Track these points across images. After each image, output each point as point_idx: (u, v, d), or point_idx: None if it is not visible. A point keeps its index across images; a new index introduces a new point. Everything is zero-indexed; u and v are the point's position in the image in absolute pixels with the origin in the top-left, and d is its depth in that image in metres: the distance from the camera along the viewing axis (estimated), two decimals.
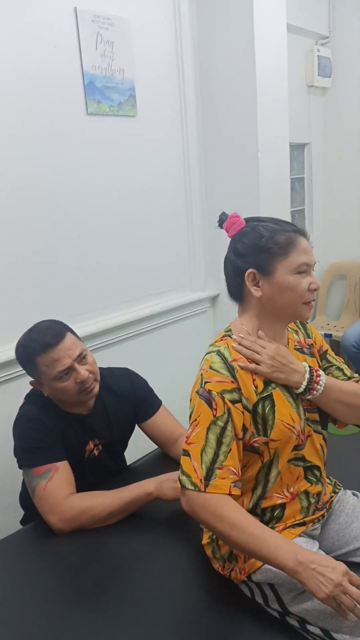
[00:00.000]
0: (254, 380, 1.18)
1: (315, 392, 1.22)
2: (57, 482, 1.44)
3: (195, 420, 1.14)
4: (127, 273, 2.36)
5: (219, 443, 1.11)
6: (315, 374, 1.23)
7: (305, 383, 1.21)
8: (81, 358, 1.49)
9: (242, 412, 1.15)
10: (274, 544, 1.04)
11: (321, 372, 1.24)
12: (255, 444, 1.17)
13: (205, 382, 1.15)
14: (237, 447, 1.13)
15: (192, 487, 1.10)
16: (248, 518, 1.08)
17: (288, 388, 1.22)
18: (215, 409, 1.12)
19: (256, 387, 1.18)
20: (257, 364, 1.18)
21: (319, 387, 1.22)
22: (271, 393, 1.19)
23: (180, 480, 1.13)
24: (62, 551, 1.40)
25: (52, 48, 1.95)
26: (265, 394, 1.18)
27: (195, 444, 1.13)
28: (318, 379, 1.22)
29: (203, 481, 1.10)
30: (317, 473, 1.27)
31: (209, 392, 1.13)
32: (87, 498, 1.45)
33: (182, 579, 1.29)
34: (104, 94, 2.15)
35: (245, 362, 1.18)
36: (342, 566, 1.01)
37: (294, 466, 1.23)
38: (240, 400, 1.15)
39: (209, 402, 1.13)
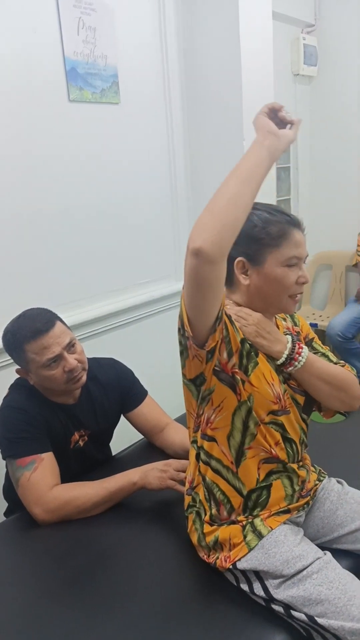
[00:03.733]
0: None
1: (296, 364, 1.21)
2: (42, 473, 1.42)
3: None
4: (112, 263, 2.35)
5: None
6: (297, 346, 1.22)
7: (286, 353, 1.21)
8: (70, 346, 1.48)
9: (238, 332, 1.15)
10: None
11: (303, 346, 1.24)
12: (236, 375, 1.15)
13: None
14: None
15: None
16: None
17: (270, 359, 1.21)
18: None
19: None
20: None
21: (300, 358, 1.21)
22: (257, 350, 1.19)
23: None
24: (47, 542, 1.39)
25: (32, 33, 1.91)
26: (250, 346, 1.18)
27: None
28: (300, 350, 1.22)
29: None
30: (295, 448, 1.26)
31: None
32: (72, 489, 1.44)
33: (168, 568, 1.29)
34: (86, 80, 2.11)
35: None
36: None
37: (273, 430, 1.21)
38: (233, 324, 1.14)
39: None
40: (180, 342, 1.15)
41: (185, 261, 0.97)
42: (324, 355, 1.35)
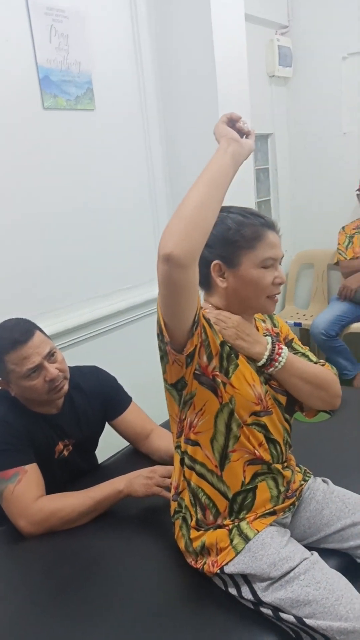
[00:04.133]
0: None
1: (277, 364, 1.22)
2: (26, 486, 1.41)
3: None
4: (92, 270, 2.34)
5: None
6: (277, 347, 1.23)
7: (267, 354, 1.21)
8: (50, 356, 1.47)
9: (217, 335, 1.15)
10: None
11: (283, 347, 1.25)
12: (217, 378, 1.15)
13: None
14: None
15: None
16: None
17: (250, 361, 1.22)
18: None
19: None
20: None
21: (280, 359, 1.22)
22: (236, 352, 1.19)
23: None
24: (33, 554, 1.38)
25: (4, 42, 1.90)
26: (229, 348, 1.18)
27: None
28: (280, 351, 1.22)
29: None
30: (279, 448, 1.26)
31: None
32: (56, 500, 1.43)
33: (156, 575, 1.28)
34: (60, 87, 2.11)
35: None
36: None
37: (256, 431, 1.21)
38: (212, 327, 1.15)
39: None
40: (159, 348, 1.15)
41: (157, 267, 0.97)
42: (304, 355, 1.35)
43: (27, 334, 1.43)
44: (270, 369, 1.22)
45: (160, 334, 1.11)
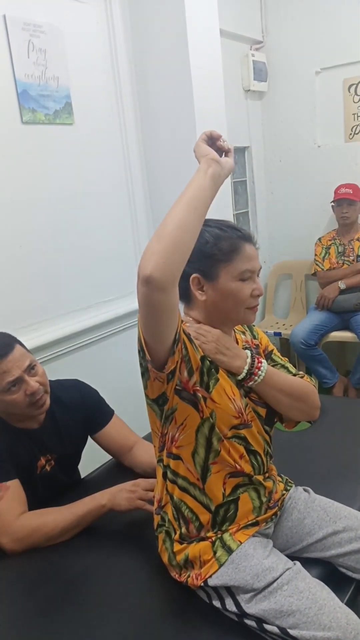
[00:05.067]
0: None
1: (256, 378, 1.23)
2: (8, 503, 1.40)
3: None
4: (73, 282, 2.33)
5: None
6: (256, 360, 1.24)
7: (246, 368, 1.22)
8: (30, 369, 1.46)
9: (197, 350, 1.16)
10: None
11: (263, 360, 1.26)
12: (198, 393, 1.16)
13: None
14: None
15: None
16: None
17: (230, 375, 1.23)
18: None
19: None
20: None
21: (260, 372, 1.23)
22: (217, 366, 1.20)
23: None
24: (16, 571, 1.36)
25: None
26: (210, 363, 1.19)
27: None
28: (259, 364, 1.24)
29: None
30: (260, 459, 1.27)
31: None
32: (39, 516, 1.42)
33: (140, 589, 1.28)
34: (38, 102, 2.11)
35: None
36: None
37: (236, 444, 1.22)
38: (192, 342, 1.16)
39: None
40: (140, 364, 1.15)
41: (137, 289, 0.98)
42: (283, 366, 1.37)
43: (6, 347, 1.43)
44: (250, 383, 1.24)
45: (141, 351, 1.12)
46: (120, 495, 1.44)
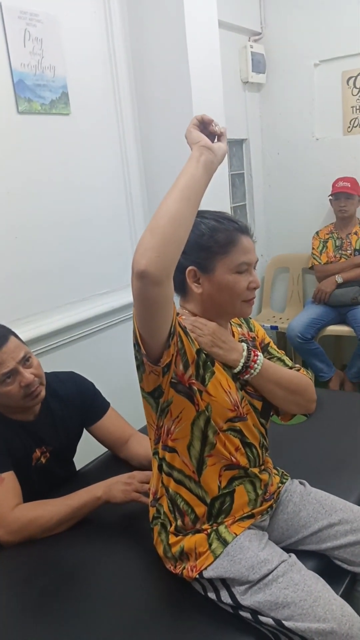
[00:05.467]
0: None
1: (252, 371, 1.22)
2: (3, 494, 1.39)
3: None
4: (69, 274, 2.32)
5: None
6: (252, 353, 1.23)
7: (242, 361, 1.21)
8: (25, 361, 1.45)
9: (193, 343, 1.15)
10: None
11: (259, 353, 1.25)
12: (193, 386, 1.15)
13: None
14: None
15: None
16: None
17: (226, 368, 1.22)
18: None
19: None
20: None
21: (256, 365, 1.22)
22: (213, 359, 1.20)
23: None
24: (11, 563, 1.36)
25: None
26: (206, 356, 1.19)
27: None
28: (256, 357, 1.23)
29: None
30: (255, 452, 1.27)
31: None
32: (34, 508, 1.42)
33: (135, 582, 1.28)
34: (35, 92, 2.09)
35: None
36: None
37: (232, 436, 1.22)
38: (188, 335, 1.15)
39: None
40: (136, 357, 1.14)
41: (132, 283, 0.97)
42: (279, 359, 1.37)
43: (1, 339, 1.42)
44: (246, 376, 1.23)
45: (136, 345, 1.11)
46: (116, 487, 1.44)
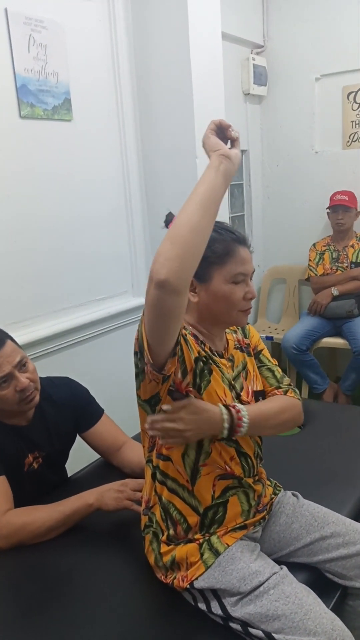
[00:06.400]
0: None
1: (242, 429, 1.16)
2: None
3: None
4: (67, 279, 2.32)
5: None
6: (233, 410, 1.15)
7: (227, 425, 1.14)
8: (21, 365, 1.45)
9: (192, 351, 1.15)
10: None
11: (240, 407, 1.17)
12: (190, 394, 1.15)
13: None
14: None
15: None
16: None
17: (223, 375, 1.22)
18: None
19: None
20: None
21: (243, 423, 1.16)
22: (210, 367, 1.19)
23: None
24: (1, 569, 1.34)
25: None
26: (203, 364, 1.18)
27: None
28: (239, 414, 1.16)
29: None
30: (250, 462, 1.26)
31: None
32: (25, 513, 1.41)
33: (125, 591, 1.27)
34: (37, 97, 2.10)
35: None
36: None
37: (227, 446, 1.21)
38: (187, 343, 1.14)
39: None
40: (136, 365, 1.14)
41: (148, 292, 0.96)
42: (269, 369, 1.35)
43: None
44: (237, 434, 1.18)
45: (139, 353, 1.10)
46: (108, 494, 1.43)
